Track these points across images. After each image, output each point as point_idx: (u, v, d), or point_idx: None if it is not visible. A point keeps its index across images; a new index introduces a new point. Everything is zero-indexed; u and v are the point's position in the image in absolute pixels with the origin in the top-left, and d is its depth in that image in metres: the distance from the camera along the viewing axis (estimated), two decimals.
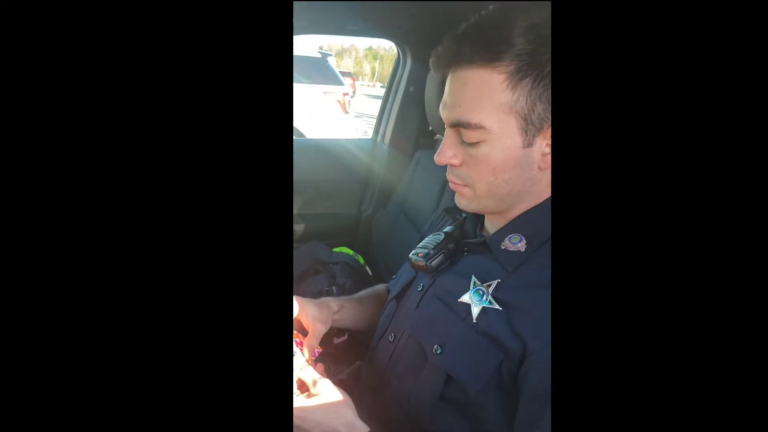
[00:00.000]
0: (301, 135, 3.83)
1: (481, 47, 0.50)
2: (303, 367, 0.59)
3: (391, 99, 1.70)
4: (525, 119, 0.51)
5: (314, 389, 0.56)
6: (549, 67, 0.49)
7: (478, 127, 0.52)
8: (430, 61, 0.57)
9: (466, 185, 0.57)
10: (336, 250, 1.59)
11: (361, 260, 1.55)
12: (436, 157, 0.57)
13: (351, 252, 1.59)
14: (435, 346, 0.56)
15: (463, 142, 0.55)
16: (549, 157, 0.54)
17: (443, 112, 0.56)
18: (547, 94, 0.51)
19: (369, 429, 0.54)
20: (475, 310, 0.55)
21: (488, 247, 0.59)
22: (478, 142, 0.53)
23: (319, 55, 4.74)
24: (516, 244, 0.56)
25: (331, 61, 5.25)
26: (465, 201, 0.59)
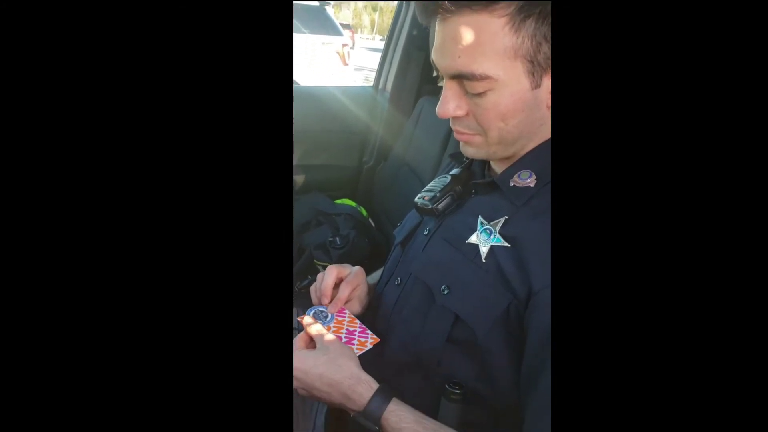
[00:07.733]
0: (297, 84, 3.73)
1: None
2: (310, 323, 0.60)
3: (393, 45, 1.63)
4: (531, 62, 0.49)
5: (320, 344, 0.57)
6: (550, 4, 0.46)
7: (484, 77, 0.49)
8: (415, 8, 0.53)
9: (476, 134, 0.55)
10: (338, 201, 1.57)
11: (364, 212, 1.53)
12: (438, 110, 0.54)
13: (353, 204, 1.56)
14: (443, 287, 0.55)
15: (467, 93, 0.52)
16: None
17: (439, 62, 0.52)
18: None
19: (374, 380, 0.54)
20: (484, 250, 0.54)
21: (497, 186, 0.57)
22: (484, 92, 0.50)
23: (317, 3, 4.53)
24: (525, 179, 0.55)
25: (329, 10, 5.03)
26: (473, 149, 0.57)
